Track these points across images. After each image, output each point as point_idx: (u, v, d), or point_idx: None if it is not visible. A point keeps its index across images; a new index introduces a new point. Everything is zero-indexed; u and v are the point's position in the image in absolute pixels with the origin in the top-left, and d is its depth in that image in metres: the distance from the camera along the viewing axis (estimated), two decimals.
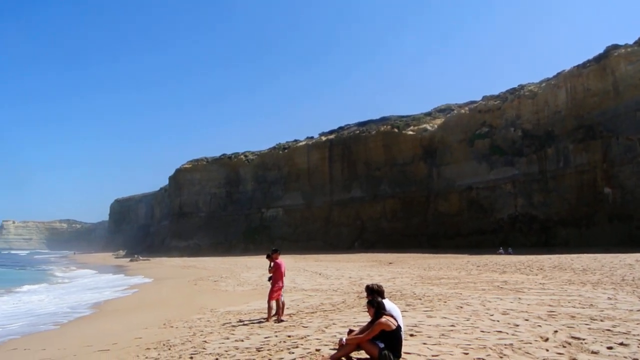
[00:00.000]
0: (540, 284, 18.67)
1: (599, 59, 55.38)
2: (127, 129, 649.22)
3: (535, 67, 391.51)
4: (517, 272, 24.65)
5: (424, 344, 8.54)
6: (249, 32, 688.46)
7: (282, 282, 13.70)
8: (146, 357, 9.93)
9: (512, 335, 9.12)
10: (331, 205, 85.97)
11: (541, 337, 8.82)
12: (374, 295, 8.07)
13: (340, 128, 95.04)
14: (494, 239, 58.81)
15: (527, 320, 10.71)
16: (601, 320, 10.43)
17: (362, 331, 7.72)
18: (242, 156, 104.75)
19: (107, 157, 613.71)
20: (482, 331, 9.56)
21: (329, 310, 14.40)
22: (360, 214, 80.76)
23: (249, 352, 9.01)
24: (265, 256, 14.59)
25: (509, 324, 10.30)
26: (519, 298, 14.55)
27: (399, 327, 7.49)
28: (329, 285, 23.68)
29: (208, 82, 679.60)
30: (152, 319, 16.47)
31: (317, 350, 8.46)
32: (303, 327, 11.55)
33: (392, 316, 7.59)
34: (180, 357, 9.28)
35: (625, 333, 9.07)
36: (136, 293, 29.46)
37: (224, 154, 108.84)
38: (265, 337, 10.48)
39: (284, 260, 14.39)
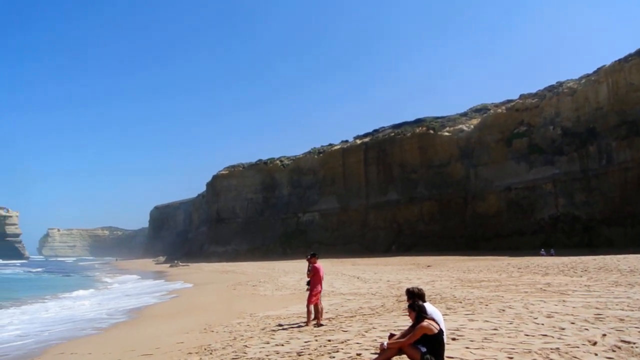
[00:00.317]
0: (585, 285, 18.13)
1: None
2: (165, 137, 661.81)
3: (573, 63, 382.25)
4: (560, 274, 24.01)
5: (467, 348, 8.39)
6: (284, 37, 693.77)
7: (321, 286, 13.68)
8: None
9: (558, 339, 8.86)
10: (367, 209, 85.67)
11: (589, 341, 8.54)
12: (415, 298, 7.97)
13: (375, 131, 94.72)
14: (534, 240, 57.57)
15: (573, 323, 10.40)
16: None
17: (403, 335, 7.62)
18: (277, 161, 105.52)
19: (146, 165, 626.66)
20: (527, 335, 9.33)
21: (368, 314, 14.31)
22: (397, 216, 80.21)
23: (289, 356, 9.02)
24: (305, 259, 14.54)
25: (554, 327, 10.02)
26: (564, 301, 14.16)
27: (441, 331, 7.38)
28: (367, 289, 23.55)
29: (244, 90, 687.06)
30: (192, 323, 16.68)
31: (358, 354, 8.41)
32: (343, 331, 11.50)
33: (433, 320, 7.47)
34: None
35: None
36: (177, 298, 29.93)
37: (259, 160, 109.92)
38: (306, 342, 10.48)
39: (322, 264, 14.37)
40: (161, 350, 12.01)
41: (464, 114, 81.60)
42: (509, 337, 9.21)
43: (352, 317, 14.11)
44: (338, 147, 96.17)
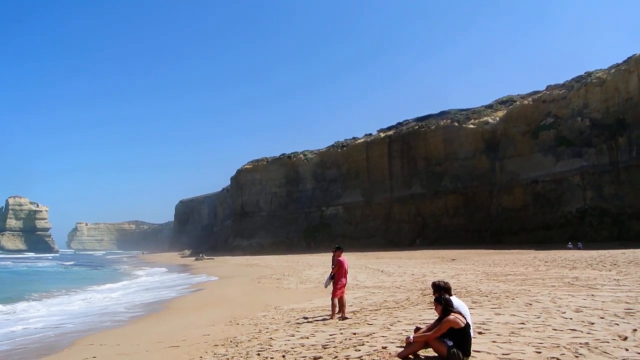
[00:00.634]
0: (615, 280, 17.80)
1: None
2: (190, 133, 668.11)
3: (602, 53, 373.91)
4: (589, 268, 23.61)
5: (494, 342, 8.31)
6: (308, 33, 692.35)
7: (345, 280, 13.68)
8: (214, 354, 10.14)
9: (587, 333, 8.72)
10: (391, 202, 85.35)
11: (619, 336, 8.39)
12: (441, 292, 7.92)
13: (399, 124, 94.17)
14: (561, 234, 56.70)
15: (602, 318, 10.23)
16: None
17: (429, 329, 7.59)
18: (301, 155, 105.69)
19: (172, 160, 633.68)
20: (555, 329, 9.20)
21: (393, 308, 14.26)
22: (421, 210, 79.74)
23: (314, 349, 9.04)
24: (332, 252, 14.47)
25: (583, 322, 9.86)
26: (592, 295, 13.93)
27: (467, 325, 7.32)
28: (391, 282, 23.49)
29: (269, 85, 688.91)
30: (218, 316, 16.85)
31: (384, 347, 8.38)
32: (368, 324, 11.49)
33: (460, 313, 7.42)
34: (247, 354, 9.42)
35: None
36: (202, 291, 30.25)
37: (283, 154, 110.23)
38: (331, 335, 10.49)
39: (346, 257, 14.35)
40: (187, 342, 12.16)
41: (489, 106, 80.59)
42: (536, 331, 9.10)
43: (376, 310, 14.09)
44: (362, 140, 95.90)
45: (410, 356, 7.46)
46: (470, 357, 7.29)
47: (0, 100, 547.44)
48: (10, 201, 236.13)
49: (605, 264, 25.03)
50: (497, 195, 69.34)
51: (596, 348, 7.63)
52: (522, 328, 9.46)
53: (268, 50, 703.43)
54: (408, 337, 7.67)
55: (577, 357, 7.19)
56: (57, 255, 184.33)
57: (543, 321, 10.09)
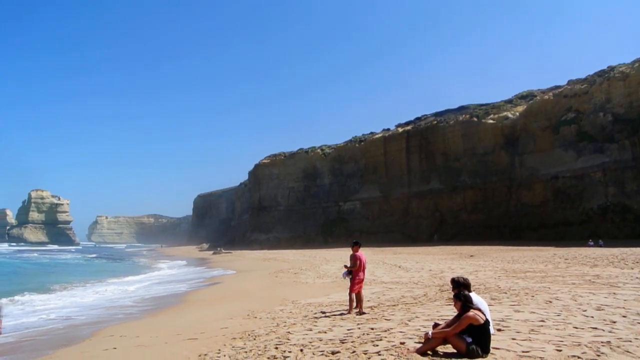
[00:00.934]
0: (637, 278, 17.53)
1: None
2: (208, 128, 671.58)
3: (625, 47, 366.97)
4: (610, 266, 23.28)
5: (513, 339, 8.24)
6: (325, 28, 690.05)
7: (363, 275, 13.67)
8: (233, 347, 10.19)
9: (609, 332, 8.60)
10: (409, 197, 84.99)
11: None
12: (460, 288, 7.87)
13: (417, 119, 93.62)
14: (582, 231, 55.94)
15: (624, 316, 10.08)
16: None
17: (448, 325, 7.55)
18: (318, 150, 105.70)
19: (190, 154, 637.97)
20: (575, 327, 9.09)
21: (411, 303, 14.22)
22: (439, 205, 79.28)
23: (332, 343, 9.05)
24: (351, 247, 14.42)
25: (604, 320, 9.73)
26: (614, 293, 13.73)
27: (487, 322, 7.27)
28: (409, 278, 23.42)
29: (285, 80, 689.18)
30: (236, 309, 16.94)
31: (402, 343, 8.36)
32: (385, 319, 11.47)
33: (479, 310, 7.37)
34: (265, 347, 9.46)
35: None
36: (220, 285, 30.44)
37: (301, 149, 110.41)
38: (348, 329, 10.50)
39: (363, 252, 14.31)
40: (206, 335, 12.24)
41: (509, 101, 79.64)
42: (556, 329, 9.00)
43: (394, 305, 14.06)
44: (380, 135, 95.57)
45: (429, 352, 7.44)
46: (489, 354, 7.24)
47: (25, 94, 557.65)
48: (33, 194, 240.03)
49: (627, 262, 24.66)
50: (517, 191, 68.62)
51: (618, 347, 7.52)
52: (542, 326, 9.37)
53: (284, 45, 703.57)
54: (427, 333, 7.64)
55: (598, 355, 7.10)
56: (80, 247, 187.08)
57: (563, 319, 9.98)
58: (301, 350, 8.78)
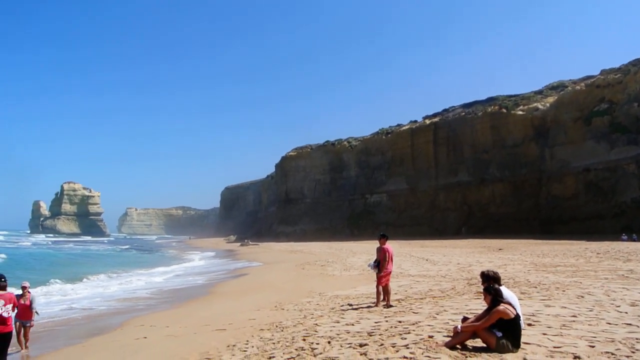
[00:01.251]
0: None
1: None
2: (236, 120, 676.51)
3: None
4: None
5: (544, 334, 8.10)
6: (352, 20, 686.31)
7: (391, 267, 13.61)
8: (261, 338, 10.27)
9: None
10: (436, 190, 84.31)
11: None
12: (490, 281, 7.76)
13: (445, 110, 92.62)
14: (614, 225, 54.71)
15: None
16: None
17: (477, 319, 7.45)
18: (345, 142, 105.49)
19: (218, 147, 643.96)
20: (609, 323, 8.88)
21: (439, 297, 14.12)
22: (467, 198, 78.47)
23: (360, 336, 9.04)
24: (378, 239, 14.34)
25: (639, 316, 9.49)
26: None
27: (517, 316, 7.16)
28: (436, 271, 23.26)
29: (312, 72, 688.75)
30: (263, 301, 17.08)
31: (430, 336, 8.29)
32: (413, 313, 11.41)
33: (510, 304, 7.26)
34: (293, 339, 9.50)
35: None
36: (247, 276, 30.74)
37: (327, 141, 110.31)
38: (376, 322, 10.46)
39: (390, 245, 14.24)
40: (234, 326, 12.37)
41: (539, 92, 78.19)
42: (589, 324, 8.81)
43: (422, 299, 13.98)
44: (407, 127, 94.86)
45: (458, 346, 7.36)
46: (519, 349, 7.14)
47: (57, 85, 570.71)
48: (65, 187, 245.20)
49: None
50: (547, 184, 67.47)
51: None
52: (574, 321, 9.18)
53: (310, 38, 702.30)
54: (456, 327, 7.57)
55: (633, 352, 6.92)
56: (112, 239, 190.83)
57: (596, 314, 9.77)
58: (329, 342, 8.78)
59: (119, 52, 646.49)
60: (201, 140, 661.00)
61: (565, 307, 10.77)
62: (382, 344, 8.07)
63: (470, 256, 32.34)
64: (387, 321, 10.46)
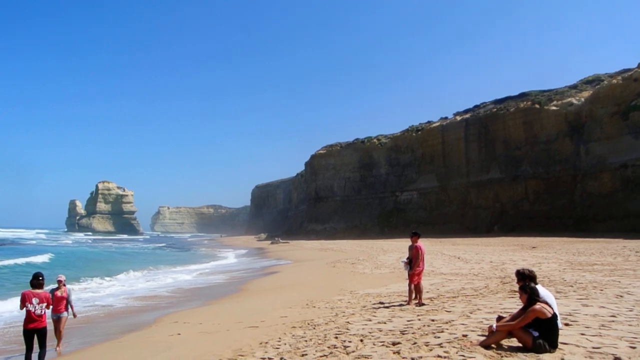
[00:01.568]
0: None
1: None
2: (267, 121, 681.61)
3: None
4: None
5: (582, 334, 7.92)
6: (384, 28, 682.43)
7: (423, 266, 13.52)
8: (293, 335, 10.31)
9: None
10: (468, 187, 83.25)
11: None
12: (526, 280, 7.63)
13: (476, 106, 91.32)
14: None
15: None
16: None
17: (513, 318, 7.34)
18: (375, 140, 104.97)
19: (248, 145, 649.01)
20: None
21: (472, 295, 13.96)
22: (500, 195, 77.26)
23: (392, 334, 9.00)
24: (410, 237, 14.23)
25: None
26: None
27: (554, 315, 7.02)
28: (468, 269, 23.00)
29: (345, 80, 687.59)
30: (294, 299, 17.15)
31: (464, 335, 8.20)
32: (446, 311, 11.31)
33: (546, 303, 7.12)
34: (325, 337, 9.51)
35: None
36: (279, 274, 30.91)
37: (357, 139, 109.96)
38: (408, 320, 10.41)
39: (422, 243, 14.13)
40: (266, 324, 12.45)
41: (574, 86, 76.35)
42: (629, 325, 8.59)
43: (454, 297, 13.85)
44: (437, 124, 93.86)
45: (493, 345, 7.26)
46: (557, 349, 7.00)
47: (93, 90, 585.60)
48: (100, 186, 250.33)
49: None
50: (582, 181, 65.88)
51: None
52: (613, 321, 8.96)
53: (340, 48, 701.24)
54: (491, 326, 7.46)
55: None
56: (148, 237, 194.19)
57: (637, 314, 9.52)
58: (361, 340, 8.77)
59: (161, 60, 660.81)
60: (232, 141, 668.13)
61: (603, 307, 10.52)
62: (415, 343, 8.02)
63: (503, 254, 31.87)
64: (419, 320, 10.40)
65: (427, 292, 14.71)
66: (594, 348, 7.07)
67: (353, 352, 7.97)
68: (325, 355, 8.02)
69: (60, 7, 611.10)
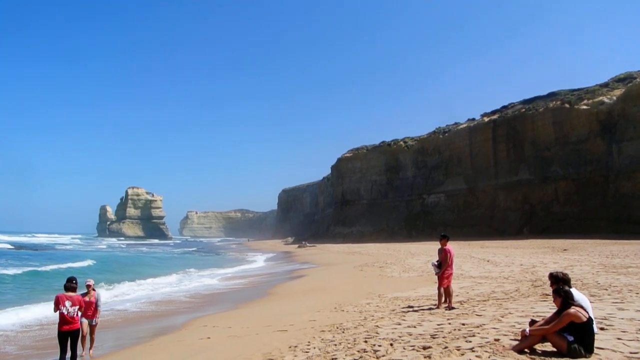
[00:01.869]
0: None
1: None
2: (293, 126, 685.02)
3: None
4: None
5: (619, 339, 7.73)
6: (415, 25, 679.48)
7: (452, 269, 13.39)
8: (322, 339, 10.30)
9: None
10: (496, 189, 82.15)
11: None
12: (560, 283, 7.48)
13: (504, 107, 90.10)
14: None
15: None
16: None
17: (547, 322, 7.20)
18: (401, 142, 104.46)
19: (275, 149, 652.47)
20: None
21: (502, 299, 13.76)
22: (529, 197, 76.01)
23: (423, 338, 8.91)
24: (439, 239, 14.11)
25: None
26: None
27: (590, 319, 6.86)
28: (498, 272, 22.68)
29: (371, 84, 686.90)
30: (323, 302, 17.14)
31: (496, 340, 8.08)
32: (477, 315, 11.16)
33: (581, 307, 6.97)
34: (355, 341, 9.48)
35: None
36: (306, 278, 30.95)
37: (383, 141, 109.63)
38: (438, 324, 10.31)
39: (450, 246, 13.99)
40: (295, 327, 12.47)
41: (605, 85, 74.72)
42: None
43: (484, 301, 13.67)
44: (464, 125, 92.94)
45: (526, 350, 7.13)
46: (593, 354, 6.84)
47: (125, 97, 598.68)
48: (129, 191, 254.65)
49: None
50: (615, 181, 64.39)
51: None
52: None
53: (369, 53, 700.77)
54: (524, 330, 7.33)
55: None
56: (179, 242, 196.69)
57: None
58: (391, 344, 8.71)
59: (191, 68, 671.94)
60: (259, 145, 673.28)
61: None
62: (446, 347, 7.92)
63: (533, 257, 31.34)
64: (449, 323, 10.28)
65: (457, 295, 14.54)
66: (631, 353, 6.90)
67: (383, 356, 7.92)
68: (355, 359, 8.00)
69: (112, 9, 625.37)
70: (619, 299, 12.06)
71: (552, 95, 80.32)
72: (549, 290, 7.85)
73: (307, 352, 9.15)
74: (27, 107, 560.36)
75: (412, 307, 13.71)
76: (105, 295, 22.81)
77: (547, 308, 10.89)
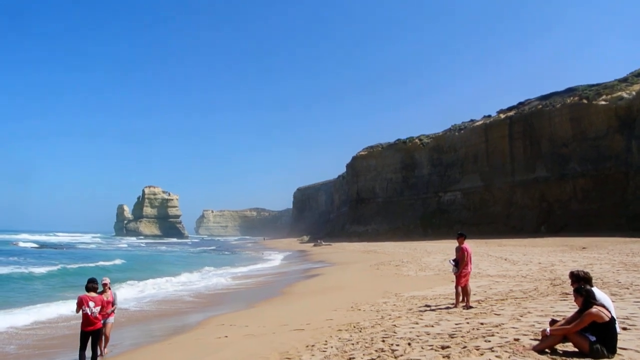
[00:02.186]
0: None
1: None
2: (307, 125, 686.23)
3: None
4: None
5: None
6: (429, 35, 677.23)
7: (470, 267, 13.27)
8: (339, 338, 10.26)
9: None
10: (513, 187, 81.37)
11: None
12: (581, 282, 7.36)
13: (520, 103, 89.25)
14: None
15: None
16: None
17: (568, 322, 7.08)
18: (416, 140, 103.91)
19: (290, 148, 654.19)
20: None
21: (521, 298, 13.60)
22: (546, 195, 75.16)
23: (441, 338, 8.83)
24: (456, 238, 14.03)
25: None
26: None
27: (612, 319, 6.73)
28: (516, 271, 22.44)
29: (397, 86, 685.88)
30: (339, 301, 17.09)
31: (516, 339, 7.97)
32: (495, 314, 11.04)
33: (603, 306, 6.85)
34: (372, 340, 9.43)
35: None
36: (322, 276, 30.90)
37: (398, 139, 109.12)
38: (456, 324, 10.21)
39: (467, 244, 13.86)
40: (312, 326, 12.45)
41: (624, 80, 73.58)
42: None
43: (503, 300, 13.52)
44: (480, 122, 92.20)
45: (547, 350, 7.02)
46: (615, 355, 6.71)
47: (144, 102, 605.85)
48: (146, 190, 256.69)
49: None
50: (635, 178, 63.40)
51: None
52: None
53: (393, 56, 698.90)
54: (544, 330, 7.23)
55: None
56: (197, 240, 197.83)
57: None
58: (409, 343, 8.64)
59: (207, 76, 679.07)
60: (274, 145, 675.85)
61: None
62: (465, 347, 7.84)
63: (551, 255, 30.98)
64: (468, 323, 10.18)
65: (475, 294, 14.40)
66: None
67: (401, 355, 7.87)
68: (373, 359, 7.95)
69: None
70: None
71: (569, 91, 79.37)
72: (569, 289, 7.72)
73: (324, 351, 9.12)
74: (50, 111, 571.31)
75: (429, 306, 13.62)
76: (131, 292, 23.23)
77: (568, 307, 10.75)
